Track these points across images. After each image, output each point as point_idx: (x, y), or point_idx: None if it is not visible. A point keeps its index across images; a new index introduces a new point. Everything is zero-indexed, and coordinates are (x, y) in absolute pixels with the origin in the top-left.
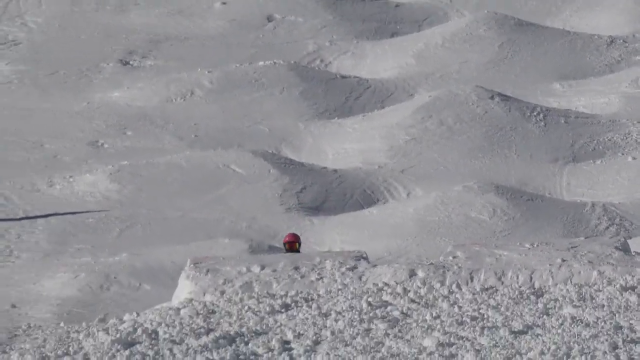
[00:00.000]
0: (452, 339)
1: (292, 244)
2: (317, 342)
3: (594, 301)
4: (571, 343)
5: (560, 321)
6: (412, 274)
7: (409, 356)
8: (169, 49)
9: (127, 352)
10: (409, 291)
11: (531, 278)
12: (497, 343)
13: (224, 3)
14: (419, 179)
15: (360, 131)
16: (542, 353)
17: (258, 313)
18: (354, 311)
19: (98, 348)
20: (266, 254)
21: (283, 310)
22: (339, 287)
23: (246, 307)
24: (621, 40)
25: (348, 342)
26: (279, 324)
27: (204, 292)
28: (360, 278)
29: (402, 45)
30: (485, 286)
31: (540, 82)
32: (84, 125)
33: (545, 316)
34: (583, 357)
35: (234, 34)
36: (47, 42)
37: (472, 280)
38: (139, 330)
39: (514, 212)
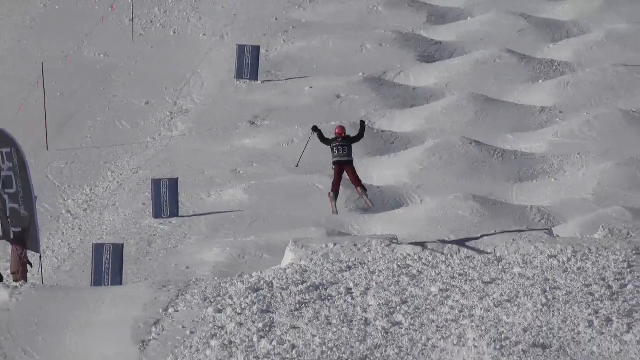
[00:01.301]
0: (447, 287)
1: (340, 134)
2: (367, 289)
3: (532, 264)
4: (518, 289)
5: (512, 276)
6: (424, 248)
7: (422, 297)
8: (278, 115)
9: (254, 294)
10: (422, 258)
11: (495, 250)
12: (474, 289)
13: (311, 87)
14: (427, 192)
15: (393, 163)
16: (501, 295)
17: (332, 271)
18: (389, 270)
19: (237, 292)
20: (337, 237)
21: (347, 270)
22: (380, 256)
23: (325, 268)
24: (548, 109)
25: (386, 289)
26: (345, 278)
27: (300, 259)
28: (393, 251)
29: (417, 112)
30: (468, 255)
31: (500, 134)
32: (228, 160)
33: (503, 273)
34: (526, 297)
35: (317, 105)
36: (205, 111)
37: (459, 252)
38: (262, 282)
39: (484, 212)
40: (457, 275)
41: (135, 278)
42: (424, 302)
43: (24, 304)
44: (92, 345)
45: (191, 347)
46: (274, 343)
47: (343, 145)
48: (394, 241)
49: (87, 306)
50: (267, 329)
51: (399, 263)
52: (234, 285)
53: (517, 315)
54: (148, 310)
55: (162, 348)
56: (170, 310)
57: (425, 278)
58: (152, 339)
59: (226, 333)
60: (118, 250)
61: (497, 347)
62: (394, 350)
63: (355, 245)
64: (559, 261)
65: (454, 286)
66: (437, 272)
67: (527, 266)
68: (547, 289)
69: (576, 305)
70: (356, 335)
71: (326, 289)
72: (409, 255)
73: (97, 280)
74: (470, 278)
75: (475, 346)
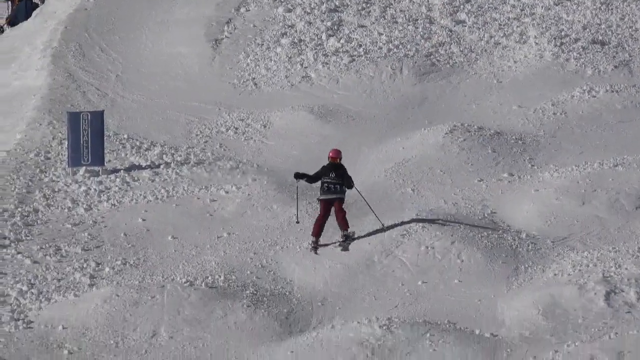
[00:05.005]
0: None
1: (335, 158)
2: None
3: None
4: None
5: None
6: None
7: None
8: None
9: None
10: None
11: None
12: None
13: None
14: None
15: None
16: None
17: None
18: None
19: None
20: None
21: None
22: None
23: None
24: None
25: None
26: None
27: None
28: None
29: None
30: None
31: None
32: None
33: None
34: None
35: None
36: None
37: None
38: None
39: None
40: None
41: None
42: (486, 0)
43: (102, 5)
44: (167, 43)
45: (262, 44)
46: (342, 41)
47: (335, 183)
48: None
49: (161, 6)
50: (335, 27)
51: None
52: None
53: (577, 13)
54: (220, 10)
55: (234, 46)
56: (242, 10)
57: None
58: (224, 37)
59: (296, 31)
60: None
61: (558, 43)
62: (458, 47)
63: None
64: None
65: None
66: None
67: None
68: None
69: (634, 3)
70: (421, 33)
71: None
72: None
73: None
74: None
75: (536, 43)
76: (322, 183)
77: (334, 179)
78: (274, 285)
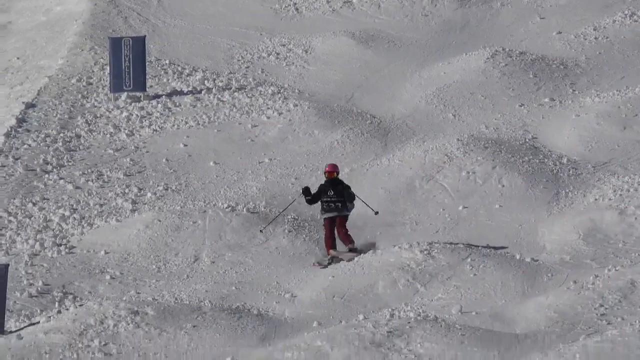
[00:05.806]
0: None
1: (331, 173)
2: None
3: None
4: None
5: None
6: None
7: None
8: None
9: None
10: None
11: None
12: None
13: None
14: None
15: None
16: None
17: None
18: None
19: None
20: None
21: None
22: None
23: None
24: None
25: None
26: None
27: None
28: None
29: None
30: None
31: None
32: None
33: None
34: None
35: None
36: None
37: None
38: None
39: None
40: None
41: None
42: None
43: None
44: None
45: None
46: None
47: (335, 201)
48: None
49: None
50: None
51: None
52: None
53: None
54: None
55: None
56: None
57: None
58: None
59: None
60: None
61: None
62: None
63: None
64: None
65: None
66: None
67: None
68: None
69: None
70: None
71: None
72: None
73: None
74: None
75: None
76: (322, 202)
77: (333, 197)
78: (315, 211)
